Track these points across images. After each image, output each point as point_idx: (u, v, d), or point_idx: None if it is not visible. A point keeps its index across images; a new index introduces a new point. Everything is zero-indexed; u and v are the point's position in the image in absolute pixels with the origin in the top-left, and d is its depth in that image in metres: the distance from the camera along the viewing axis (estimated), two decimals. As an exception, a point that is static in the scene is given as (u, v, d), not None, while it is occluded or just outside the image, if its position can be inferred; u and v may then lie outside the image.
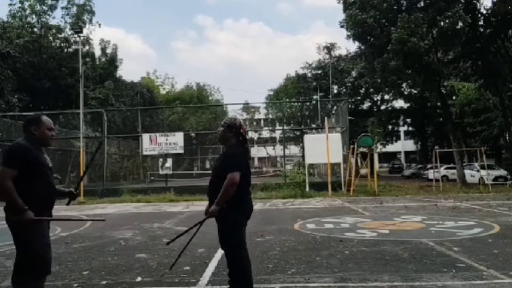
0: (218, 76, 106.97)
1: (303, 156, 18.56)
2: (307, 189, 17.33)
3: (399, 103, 41.16)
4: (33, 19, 29.78)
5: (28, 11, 29.54)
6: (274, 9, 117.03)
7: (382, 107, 40.48)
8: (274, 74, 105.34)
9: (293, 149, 42.82)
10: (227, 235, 3.74)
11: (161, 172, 20.91)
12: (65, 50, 30.34)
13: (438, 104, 28.75)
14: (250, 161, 4.06)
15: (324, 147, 17.34)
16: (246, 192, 3.75)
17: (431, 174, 23.82)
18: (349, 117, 22.54)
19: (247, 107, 49.22)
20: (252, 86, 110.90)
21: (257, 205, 13.28)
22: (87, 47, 30.87)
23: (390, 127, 40.82)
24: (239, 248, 3.70)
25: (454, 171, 23.90)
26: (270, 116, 50.54)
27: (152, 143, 19.71)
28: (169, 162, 20.25)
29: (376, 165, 30.46)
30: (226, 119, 3.92)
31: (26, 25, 28.92)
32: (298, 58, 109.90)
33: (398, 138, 46.40)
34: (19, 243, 3.25)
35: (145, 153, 20.84)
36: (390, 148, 43.22)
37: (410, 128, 44.80)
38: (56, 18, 35.79)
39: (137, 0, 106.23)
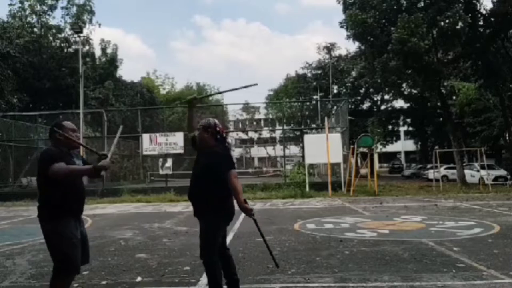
0: (218, 76, 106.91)
1: (303, 156, 18.57)
2: (307, 189, 17.33)
3: (399, 103, 41.15)
4: (33, 19, 29.83)
5: (28, 11, 29.57)
6: (271, 9, 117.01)
7: (382, 107, 40.48)
8: (273, 74, 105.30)
9: (293, 149, 42.82)
10: (202, 236, 3.67)
11: (161, 172, 20.91)
12: (65, 50, 30.36)
13: (438, 104, 28.74)
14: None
15: (324, 147, 17.35)
16: (226, 194, 3.66)
17: (431, 174, 23.81)
18: (349, 117, 22.54)
19: (247, 107, 49.25)
20: (252, 86, 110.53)
21: (257, 205, 13.28)
22: (87, 47, 30.90)
23: (390, 127, 40.79)
24: (209, 251, 3.63)
25: (454, 171, 23.89)
26: (270, 116, 50.56)
27: (152, 143, 19.71)
28: (169, 162, 20.26)
29: (376, 165, 30.49)
30: (201, 122, 3.87)
31: (26, 25, 28.96)
32: (296, 58, 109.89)
33: (398, 138, 46.38)
34: (51, 247, 3.41)
35: (145, 153, 20.84)
36: (390, 148, 43.20)
37: (410, 128, 44.77)
38: (56, 18, 35.89)
39: (135, 0, 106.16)
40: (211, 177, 3.60)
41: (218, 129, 3.75)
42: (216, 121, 3.90)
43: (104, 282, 4.64)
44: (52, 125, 3.56)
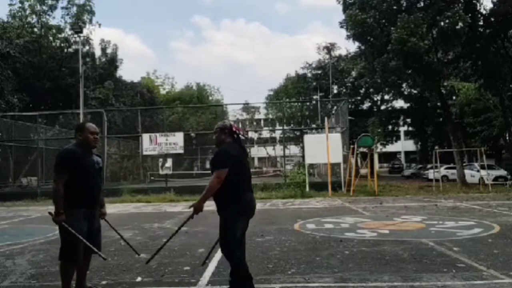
0: (217, 76, 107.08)
1: (303, 156, 18.57)
2: (307, 189, 17.32)
3: (399, 103, 41.14)
4: (33, 19, 29.80)
5: (28, 11, 29.54)
6: (270, 9, 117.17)
7: (382, 107, 40.46)
8: (272, 74, 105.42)
9: (293, 149, 42.81)
10: (220, 231, 3.89)
11: (161, 172, 20.90)
12: (65, 50, 30.35)
13: (438, 104, 28.72)
14: (247, 159, 4.16)
15: (324, 147, 17.34)
16: (241, 190, 3.84)
17: (431, 174, 23.81)
18: (349, 117, 22.53)
19: (247, 107, 49.22)
20: (251, 86, 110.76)
21: (257, 205, 13.24)
22: (87, 47, 30.89)
23: (390, 127, 40.80)
24: (230, 246, 3.79)
25: (454, 171, 23.88)
26: (270, 116, 50.54)
27: (152, 143, 19.71)
28: (169, 162, 20.25)
29: (376, 165, 30.48)
30: (217, 125, 4.11)
31: (26, 25, 28.94)
32: (296, 58, 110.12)
33: (398, 138, 46.36)
34: (59, 233, 3.84)
35: (145, 153, 20.83)
36: (390, 148, 43.20)
37: (410, 128, 44.75)
38: (56, 18, 35.88)
39: (134, 0, 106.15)
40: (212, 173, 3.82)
41: (234, 129, 4.00)
42: (232, 122, 4.20)
43: (104, 282, 4.65)
44: (75, 126, 4.15)
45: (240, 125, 54.20)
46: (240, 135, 4.01)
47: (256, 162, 51.12)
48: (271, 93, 47.15)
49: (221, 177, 3.71)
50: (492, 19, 20.78)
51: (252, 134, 49.59)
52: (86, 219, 3.83)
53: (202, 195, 3.82)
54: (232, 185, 3.74)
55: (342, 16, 21.89)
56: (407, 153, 58.48)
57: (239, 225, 3.83)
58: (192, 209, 3.91)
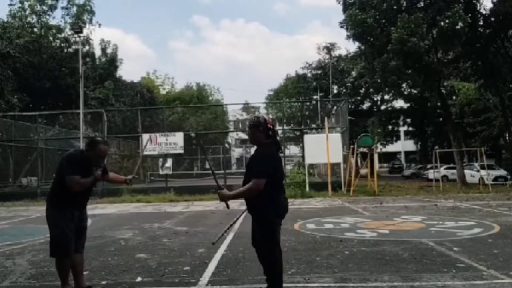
0: (217, 76, 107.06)
1: (303, 156, 18.56)
2: (307, 189, 17.32)
3: (399, 103, 41.12)
4: (33, 19, 29.77)
5: (28, 11, 29.52)
6: (270, 9, 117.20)
7: (382, 107, 40.45)
8: (272, 73, 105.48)
9: (293, 149, 42.80)
10: (259, 234, 3.73)
11: (161, 172, 20.90)
12: (65, 50, 30.32)
13: (438, 104, 28.70)
14: (280, 157, 3.96)
15: (324, 147, 17.34)
16: (278, 191, 3.73)
17: (431, 174, 23.81)
18: (349, 117, 22.52)
19: (247, 107, 49.22)
20: (251, 86, 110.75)
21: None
22: (87, 47, 30.86)
23: (390, 127, 40.78)
24: (271, 248, 3.69)
25: (454, 171, 23.89)
26: (270, 116, 50.48)
27: (152, 143, 19.70)
28: (169, 162, 20.25)
29: (376, 165, 30.46)
30: (250, 120, 3.88)
31: (26, 25, 28.92)
32: (295, 58, 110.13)
33: (398, 138, 46.34)
34: (49, 228, 4.09)
35: (145, 153, 20.84)
36: (390, 148, 43.19)
37: (410, 128, 44.74)
38: (56, 18, 35.64)
39: (134, 0, 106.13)
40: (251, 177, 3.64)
41: (269, 125, 3.75)
42: (265, 116, 3.92)
43: (104, 282, 4.65)
44: (88, 140, 4.36)
45: (240, 125, 54.39)
46: (275, 131, 3.81)
47: (256, 162, 51.00)
48: (271, 93, 47.14)
49: (261, 187, 3.53)
50: (492, 19, 20.77)
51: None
52: (74, 219, 4.08)
53: (236, 193, 3.69)
54: (271, 188, 3.60)
55: (341, 16, 21.92)
56: (407, 153, 58.46)
57: (278, 227, 3.76)
58: (220, 193, 3.79)
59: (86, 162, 4.07)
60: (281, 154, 4.42)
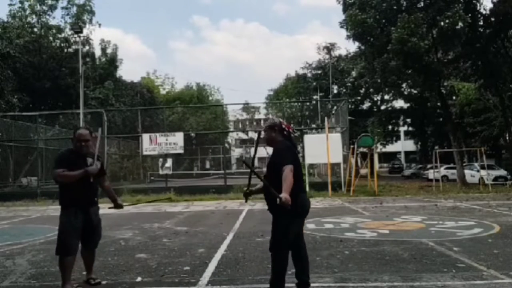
0: (217, 76, 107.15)
1: (303, 156, 18.51)
2: (307, 189, 17.27)
3: (399, 103, 41.13)
4: (33, 19, 29.80)
5: (28, 11, 29.55)
6: (269, 9, 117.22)
7: (382, 107, 40.46)
8: (272, 73, 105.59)
9: (293, 149, 42.62)
10: (274, 231, 3.80)
11: (161, 172, 20.90)
12: (65, 50, 30.35)
13: (438, 104, 28.71)
14: (299, 155, 4.04)
15: (324, 147, 17.34)
16: (299, 188, 3.74)
17: (431, 174, 23.80)
18: (349, 117, 22.52)
19: (247, 107, 49.21)
20: (251, 86, 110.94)
21: (257, 205, 13.27)
22: (87, 47, 30.88)
23: (390, 127, 40.78)
24: (280, 246, 3.72)
25: (454, 171, 23.88)
26: (270, 116, 50.45)
27: (152, 143, 19.70)
28: (169, 162, 20.24)
29: (376, 165, 30.47)
30: (265, 123, 4.02)
31: (26, 25, 28.94)
32: (295, 58, 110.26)
33: (398, 138, 46.34)
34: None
35: (145, 153, 20.83)
36: (390, 148, 43.19)
37: (410, 128, 44.75)
38: (56, 18, 35.72)
39: (133, 0, 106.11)
40: (277, 174, 3.63)
41: (283, 126, 3.89)
42: (281, 119, 4.08)
43: (104, 282, 4.64)
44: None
45: (240, 125, 54.35)
46: (290, 132, 3.91)
47: (256, 162, 51.06)
48: (271, 93, 47.17)
49: (292, 171, 3.58)
50: (492, 19, 20.76)
51: (252, 134, 49.66)
52: (79, 217, 4.18)
53: (285, 188, 3.53)
54: (294, 185, 3.59)
55: (341, 16, 21.97)
56: (407, 153, 58.46)
57: (295, 227, 3.78)
58: (284, 200, 3.54)
59: (75, 157, 4.18)
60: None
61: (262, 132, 4.04)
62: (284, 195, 3.48)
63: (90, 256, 4.49)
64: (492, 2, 20.76)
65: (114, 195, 4.80)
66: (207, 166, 41.15)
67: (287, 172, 3.56)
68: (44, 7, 29.48)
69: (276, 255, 3.75)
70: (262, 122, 55.06)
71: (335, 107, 28.21)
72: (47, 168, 22.26)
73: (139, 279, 4.75)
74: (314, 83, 40.00)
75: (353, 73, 37.86)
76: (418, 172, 34.32)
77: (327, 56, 40.67)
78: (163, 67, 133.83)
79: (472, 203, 12.76)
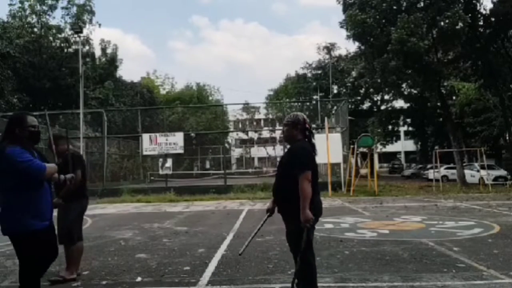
0: (217, 76, 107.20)
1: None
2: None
3: (399, 103, 41.12)
4: (33, 19, 29.80)
5: (28, 11, 29.55)
6: (268, 9, 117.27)
7: (382, 107, 40.45)
8: (271, 73, 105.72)
9: (293, 149, 42.60)
10: (293, 237, 3.54)
11: (161, 172, 20.90)
12: (65, 50, 30.35)
13: (438, 104, 28.72)
14: (316, 156, 3.75)
15: (324, 147, 17.31)
16: (314, 191, 3.53)
17: (431, 174, 23.80)
18: (349, 117, 22.52)
19: (247, 107, 49.25)
20: (250, 86, 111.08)
21: (257, 205, 13.29)
22: (87, 47, 30.89)
23: (390, 127, 40.77)
24: (305, 250, 3.48)
25: (454, 171, 23.89)
26: (270, 116, 50.55)
27: (152, 143, 19.71)
28: (169, 162, 20.25)
29: (376, 165, 30.47)
30: (288, 118, 3.73)
31: (26, 25, 28.93)
32: (295, 58, 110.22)
33: (398, 138, 46.35)
34: None
35: (145, 153, 20.83)
36: (390, 148, 43.19)
37: (410, 128, 44.76)
38: (56, 18, 35.79)
39: (132, 0, 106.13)
40: (289, 175, 3.46)
41: (307, 125, 3.63)
42: (304, 116, 3.77)
43: (104, 282, 4.64)
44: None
45: (240, 125, 54.37)
46: (311, 132, 3.67)
47: (256, 162, 51.13)
48: (271, 93, 47.20)
49: (309, 178, 3.36)
50: (492, 19, 20.78)
51: (252, 134, 49.73)
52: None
53: (303, 204, 3.36)
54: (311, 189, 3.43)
55: (340, 16, 22.02)
56: (407, 153, 58.48)
57: (313, 230, 3.60)
58: (303, 221, 3.39)
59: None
60: (280, 154, 4.31)
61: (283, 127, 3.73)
62: (304, 216, 3.32)
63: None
64: (492, 2, 20.79)
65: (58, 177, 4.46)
66: (207, 166, 41.14)
67: (304, 183, 3.35)
68: (44, 7, 29.49)
69: (304, 259, 3.47)
70: (262, 122, 55.18)
71: (335, 107, 28.22)
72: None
73: (139, 279, 4.75)
74: (314, 83, 40.01)
75: (353, 73, 37.83)
76: (418, 172, 34.30)
77: (327, 56, 40.70)
78: (163, 67, 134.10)
79: (472, 203, 12.76)
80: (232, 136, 52.17)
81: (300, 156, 3.49)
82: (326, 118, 22.88)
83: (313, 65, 41.57)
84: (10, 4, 29.17)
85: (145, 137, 20.19)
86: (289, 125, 3.64)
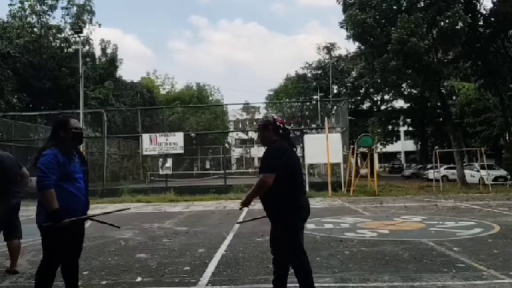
0: (217, 76, 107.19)
1: (303, 156, 18.52)
2: (307, 189, 17.28)
3: (399, 103, 41.14)
4: (33, 19, 29.78)
5: (28, 11, 29.53)
6: (268, 9, 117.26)
7: (382, 107, 40.47)
8: (271, 73, 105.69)
9: (293, 149, 42.63)
10: (283, 240, 3.54)
11: (161, 172, 20.91)
12: (65, 50, 30.33)
13: (438, 104, 28.73)
14: (296, 155, 3.74)
15: (324, 147, 17.34)
16: (299, 193, 3.54)
17: (431, 174, 23.80)
18: (349, 117, 22.53)
19: (247, 107, 49.23)
20: (250, 86, 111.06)
21: (257, 205, 13.26)
22: (87, 47, 30.87)
23: (390, 127, 40.80)
24: (296, 252, 3.50)
25: (454, 171, 23.89)
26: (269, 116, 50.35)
27: (152, 143, 19.70)
28: (169, 162, 20.25)
29: (376, 165, 30.46)
30: (259, 121, 3.75)
31: (26, 25, 28.90)
32: (294, 58, 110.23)
33: (398, 138, 46.35)
34: None
35: (145, 153, 20.82)
36: (390, 148, 43.18)
37: (410, 128, 44.76)
38: (56, 18, 35.72)
39: (132, 0, 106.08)
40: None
41: (278, 123, 3.59)
42: (275, 116, 3.77)
43: (104, 282, 4.65)
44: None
45: (240, 125, 54.34)
46: (286, 130, 3.63)
47: (256, 162, 51.10)
48: (271, 93, 47.17)
49: (268, 182, 3.34)
50: (492, 19, 20.79)
51: (252, 134, 49.69)
52: None
53: (249, 194, 3.54)
54: (291, 190, 3.44)
55: (339, 16, 22.07)
56: (407, 153, 58.45)
57: (301, 231, 3.60)
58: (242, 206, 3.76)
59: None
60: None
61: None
62: (243, 202, 3.57)
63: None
64: (492, 2, 20.81)
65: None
66: (207, 166, 41.12)
67: (261, 183, 3.40)
68: (44, 7, 29.46)
69: (297, 262, 3.54)
70: (261, 122, 55.15)
71: (335, 107, 28.21)
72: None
73: (139, 279, 4.75)
74: (314, 83, 40.03)
75: (353, 73, 37.86)
76: (418, 172, 34.32)
77: (327, 56, 40.73)
78: (162, 67, 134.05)
79: (472, 203, 12.76)
80: (232, 136, 52.16)
81: (267, 158, 3.48)
82: (326, 118, 22.87)
83: (313, 65, 41.61)
84: (10, 4, 29.18)
85: (145, 137, 20.19)
86: (261, 128, 3.66)
